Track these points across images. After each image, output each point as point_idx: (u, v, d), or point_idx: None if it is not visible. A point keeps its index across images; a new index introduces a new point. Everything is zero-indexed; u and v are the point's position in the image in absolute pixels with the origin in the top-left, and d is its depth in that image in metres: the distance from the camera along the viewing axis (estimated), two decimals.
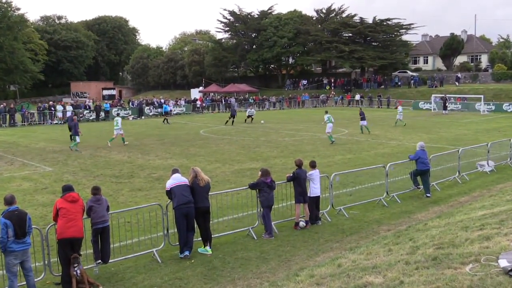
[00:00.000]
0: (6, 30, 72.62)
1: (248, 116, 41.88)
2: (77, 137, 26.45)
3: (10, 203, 8.42)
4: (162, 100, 55.62)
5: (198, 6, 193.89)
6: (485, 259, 6.67)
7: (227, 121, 39.68)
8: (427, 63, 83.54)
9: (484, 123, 38.75)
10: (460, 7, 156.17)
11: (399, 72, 74.07)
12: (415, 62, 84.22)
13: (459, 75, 66.73)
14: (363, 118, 32.04)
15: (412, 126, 36.22)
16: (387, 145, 26.35)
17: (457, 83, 65.09)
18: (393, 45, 72.96)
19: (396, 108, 41.56)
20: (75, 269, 8.83)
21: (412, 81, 68.70)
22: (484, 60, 77.32)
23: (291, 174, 12.53)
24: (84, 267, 9.23)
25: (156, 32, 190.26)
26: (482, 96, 50.64)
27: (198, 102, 59.00)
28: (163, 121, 42.02)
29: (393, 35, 73.37)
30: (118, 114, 31.67)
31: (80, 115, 45.91)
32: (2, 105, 45.80)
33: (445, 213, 13.09)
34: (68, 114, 44.81)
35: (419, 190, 15.83)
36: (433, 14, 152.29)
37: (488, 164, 19.39)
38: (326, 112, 28.56)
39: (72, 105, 48.93)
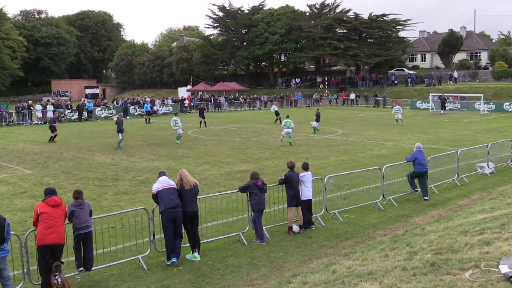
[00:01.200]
0: None
1: (277, 114, 41.43)
2: (120, 134, 26.76)
3: None
4: (147, 99, 55.41)
5: (186, 0, 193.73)
6: (485, 265, 6.69)
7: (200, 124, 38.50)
8: (424, 60, 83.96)
9: (484, 123, 39.02)
10: (460, 2, 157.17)
11: (395, 70, 74.36)
12: (412, 59, 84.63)
13: (455, 74, 66.97)
14: (317, 120, 33.18)
15: (409, 126, 36.39)
16: (383, 146, 26.45)
17: (450, 82, 65.34)
18: (389, 42, 73.28)
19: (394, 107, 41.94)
20: (56, 277, 8.77)
21: (409, 80, 69.01)
22: (484, 57, 77.84)
23: (283, 177, 12.53)
24: (66, 275, 9.18)
25: (142, 27, 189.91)
26: (482, 95, 50.93)
27: (186, 102, 58.84)
28: (146, 121, 42.02)
29: (389, 32, 73.70)
30: (176, 114, 32.46)
31: (62, 115, 45.62)
32: None
33: (443, 217, 13.15)
34: (49, 114, 44.56)
35: (416, 193, 15.90)
36: (431, 10, 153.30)
37: (488, 165, 19.50)
38: (287, 117, 28.34)
39: (53, 104, 48.48)
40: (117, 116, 30.25)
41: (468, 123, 39.50)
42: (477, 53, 79.16)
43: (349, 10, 75.92)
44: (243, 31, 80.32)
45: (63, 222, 9.21)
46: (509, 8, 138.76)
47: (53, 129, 29.82)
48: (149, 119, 43.01)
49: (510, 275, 5.97)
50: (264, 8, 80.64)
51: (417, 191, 15.89)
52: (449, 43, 73.36)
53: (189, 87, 75.80)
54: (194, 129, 36.57)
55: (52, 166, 21.73)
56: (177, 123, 28.92)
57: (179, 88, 78.01)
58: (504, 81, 63.89)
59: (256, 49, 76.34)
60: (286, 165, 12.80)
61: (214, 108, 58.27)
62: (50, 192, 9.36)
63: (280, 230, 12.52)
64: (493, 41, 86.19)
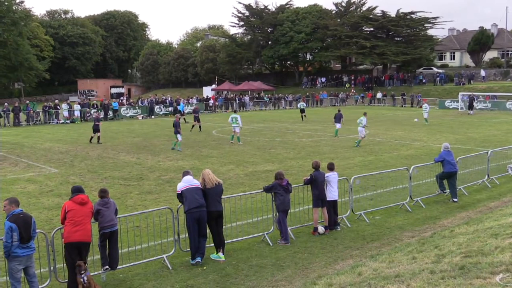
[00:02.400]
0: (11, 25, 73.52)
1: (302, 111, 42.17)
2: (178, 135, 26.18)
3: (18, 205, 8.53)
4: (169, 98, 55.93)
5: None
6: None
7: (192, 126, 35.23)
8: (454, 59, 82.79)
9: None
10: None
11: (423, 69, 73.61)
12: (441, 58, 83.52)
13: (482, 72, 65.64)
14: (338, 121, 31.63)
15: (438, 126, 35.95)
16: (411, 147, 26.18)
17: (471, 81, 64.21)
18: (418, 40, 72.35)
19: (421, 106, 41.62)
20: (82, 275, 8.91)
21: (438, 78, 68.23)
22: None
23: (309, 177, 12.50)
24: (91, 274, 9.31)
25: (167, 27, 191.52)
26: None
27: (211, 101, 59.15)
28: (184, 121, 41.60)
29: (418, 30, 72.83)
30: (235, 111, 31.42)
31: (88, 114, 46.31)
32: (5, 104, 46.37)
33: (473, 219, 12.96)
34: (76, 113, 45.28)
35: (445, 195, 15.69)
36: (462, 7, 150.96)
37: None
38: (365, 114, 28.03)
39: (79, 104, 49.22)
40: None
41: (499, 123, 38.83)
42: (508, 51, 77.67)
43: (375, 8, 75.44)
44: (268, 30, 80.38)
45: (90, 220, 9.33)
46: None
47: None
48: (185, 118, 42.55)
49: None
50: (290, 7, 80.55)
51: (445, 192, 15.68)
52: (480, 41, 72.19)
53: (213, 86, 76.19)
54: (218, 128, 36.72)
55: (78, 165, 22.07)
56: (237, 121, 28.24)
57: (204, 88, 78.45)
58: None
59: (281, 48, 76.34)
60: (312, 165, 12.76)
61: (239, 108, 58.43)
62: (77, 190, 9.49)
63: (305, 231, 12.50)
64: None
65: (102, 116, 43.71)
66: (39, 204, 15.31)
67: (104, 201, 9.76)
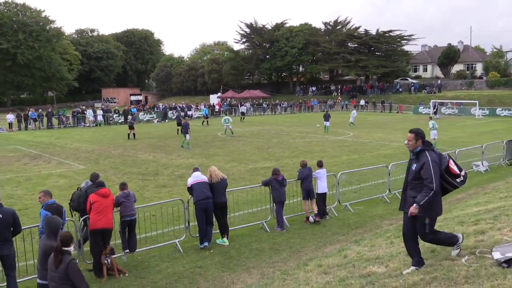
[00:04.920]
0: (45, 42, 73.73)
1: (242, 114, 42.42)
2: (187, 135, 26.55)
3: (51, 196, 8.56)
4: (183, 105, 55.97)
5: (216, 19, 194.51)
6: (479, 252, 6.60)
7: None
8: (426, 71, 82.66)
9: (479, 127, 38.29)
10: (466, 19, 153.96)
11: (400, 79, 73.52)
12: (415, 70, 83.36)
13: (438, 82, 66.32)
14: (326, 120, 34.14)
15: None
16: (389, 147, 26.17)
17: (424, 91, 64.42)
18: (395, 54, 72.41)
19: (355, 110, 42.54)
20: (107, 257, 8.92)
21: (412, 88, 68.15)
22: (479, 68, 76.35)
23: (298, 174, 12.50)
24: (113, 256, 9.31)
25: (179, 43, 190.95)
26: (477, 101, 50.34)
27: (217, 107, 59.12)
28: (202, 123, 42.78)
29: (395, 46, 72.82)
30: (226, 114, 34.15)
31: (110, 119, 46.29)
32: (40, 110, 46.51)
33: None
34: (100, 118, 45.30)
35: None
36: (435, 25, 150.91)
37: (482, 164, 19.19)
38: (430, 118, 27.28)
39: (102, 109, 49.23)
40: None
41: (464, 126, 38.82)
42: (472, 64, 77.60)
43: (359, 27, 75.34)
44: (267, 46, 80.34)
45: (111, 210, 9.36)
46: (508, 24, 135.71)
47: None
48: (207, 121, 43.47)
49: (502, 260, 5.87)
50: (285, 25, 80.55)
51: None
52: (448, 56, 72.20)
53: (219, 94, 76.11)
54: (223, 131, 36.63)
55: (102, 162, 22.05)
56: (229, 121, 32.22)
57: (211, 95, 78.28)
58: (497, 89, 62.66)
59: (278, 61, 76.29)
60: (300, 164, 12.78)
61: (241, 113, 58.30)
62: (99, 185, 9.57)
63: (298, 219, 12.49)
64: (487, 54, 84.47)
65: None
66: (69, 196, 15.21)
67: (125, 193, 9.79)
